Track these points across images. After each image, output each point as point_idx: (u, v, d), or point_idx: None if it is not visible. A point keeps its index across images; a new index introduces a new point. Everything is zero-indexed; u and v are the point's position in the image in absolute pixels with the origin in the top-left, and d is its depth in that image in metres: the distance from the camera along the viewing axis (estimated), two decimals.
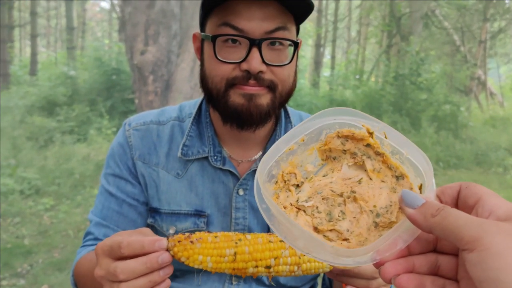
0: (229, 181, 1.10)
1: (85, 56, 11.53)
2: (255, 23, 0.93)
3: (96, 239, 1.12)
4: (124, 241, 0.75)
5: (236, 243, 0.79)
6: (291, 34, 0.99)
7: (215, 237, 0.79)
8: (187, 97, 6.50)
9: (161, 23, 6.49)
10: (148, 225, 1.15)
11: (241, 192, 1.10)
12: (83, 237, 1.16)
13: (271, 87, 0.98)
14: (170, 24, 6.55)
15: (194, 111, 1.16)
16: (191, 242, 0.76)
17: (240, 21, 0.93)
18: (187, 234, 0.79)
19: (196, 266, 0.77)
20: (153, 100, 6.56)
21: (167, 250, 0.76)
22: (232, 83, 0.97)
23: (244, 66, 0.95)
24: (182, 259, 0.75)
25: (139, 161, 1.13)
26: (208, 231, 0.83)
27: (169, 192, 1.11)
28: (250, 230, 1.10)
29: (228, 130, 1.08)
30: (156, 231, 1.13)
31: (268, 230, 1.10)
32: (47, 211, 5.10)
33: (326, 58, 21.51)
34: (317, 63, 15.67)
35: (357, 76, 13.53)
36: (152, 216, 1.12)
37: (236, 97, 0.98)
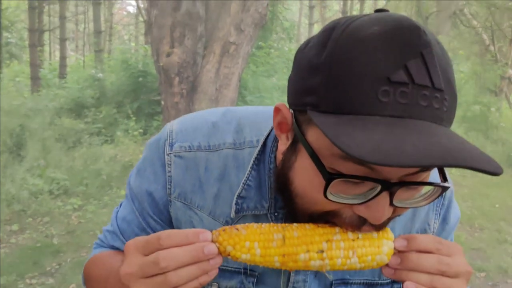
0: None
1: (112, 59, 11.69)
2: None
3: (111, 246, 1.00)
4: (164, 232, 0.68)
5: (283, 227, 0.73)
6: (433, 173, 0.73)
7: (261, 224, 0.74)
8: (212, 99, 6.51)
9: (186, 25, 6.52)
10: None
11: None
12: (102, 234, 1.05)
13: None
14: (196, 26, 6.58)
15: (255, 140, 0.88)
16: (236, 229, 0.71)
17: None
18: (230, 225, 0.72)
19: (243, 257, 0.70)
20: (179, 101, 6.60)
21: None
22: (330, 215, 0.73)
23: (362, 212, 0.68)
24: (228, 249, 0.69)
25: (178, 201, 0.90)
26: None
27: None
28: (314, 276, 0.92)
29: None
30: None
31: None
32: (75, 211, 5.18)
33: None
34: None
35: None
36: None
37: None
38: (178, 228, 0.92)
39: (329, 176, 0.65)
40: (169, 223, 0.94)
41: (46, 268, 3.98)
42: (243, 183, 0.86)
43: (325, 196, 0.66)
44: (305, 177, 0.72)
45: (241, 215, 0.88)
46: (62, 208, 5.19)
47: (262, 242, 0.71)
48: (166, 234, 0.68)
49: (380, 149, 0.55)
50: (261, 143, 0.87)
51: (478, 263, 4.37)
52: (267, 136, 0.88)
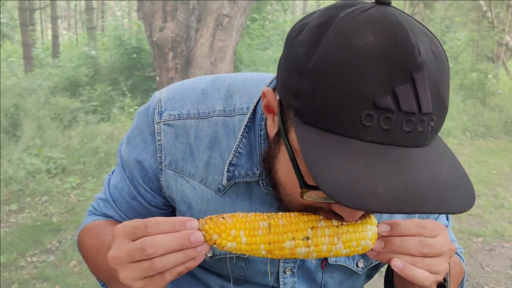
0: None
1: (105, 36, 11.53)
2: None
3: (104, 214, 1.01)
4: (151, 219, 0.69)
5: (268, 216, 0.74)
6: None
7: (247, 213, 0.75)
8: (208, 73, 6.46)
9: None
10: None
11: None
12: (95, 202, 1.04)
13: None
14: None
15: (245, 107, 0.88)
16: (223, 218, 0.72)
17: None
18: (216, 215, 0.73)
19: (228, 246, 0.71)
20: (174, 77, 6.55)
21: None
22: (312, 210, 0.75)
23: (338, 210, 0.71)
24: (214, 237, 0.70)
25: (169, 169, 0.89)
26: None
27: (208, 212, 0.89)
28: (303, 262, 0.94)
29: None
30: None
31: (326, 259, 0.95)
32: (73, 189, 5.18)
33: None
34: None
35: None
36: None
37: None
38: (170, 196, 0.92)
39: (305, 187, 0.67)
40: (159, 192, 0.94)
41: (46, 246, 4.00)
42: (234, 151, 0.86)
43: (302, 197, 0.68)
44: (285, 171, 0.74)
45: (232, 182, 0.87)
46: (60, 186, 5.20)
47: (248, 230, 0.72)
48: (153, 222, 0.69)
49: (353, 190, 0.57)
50: (251, 110, 0.87)
51: (475, 229, 4.42)
52: (257, 102, 0.87)
